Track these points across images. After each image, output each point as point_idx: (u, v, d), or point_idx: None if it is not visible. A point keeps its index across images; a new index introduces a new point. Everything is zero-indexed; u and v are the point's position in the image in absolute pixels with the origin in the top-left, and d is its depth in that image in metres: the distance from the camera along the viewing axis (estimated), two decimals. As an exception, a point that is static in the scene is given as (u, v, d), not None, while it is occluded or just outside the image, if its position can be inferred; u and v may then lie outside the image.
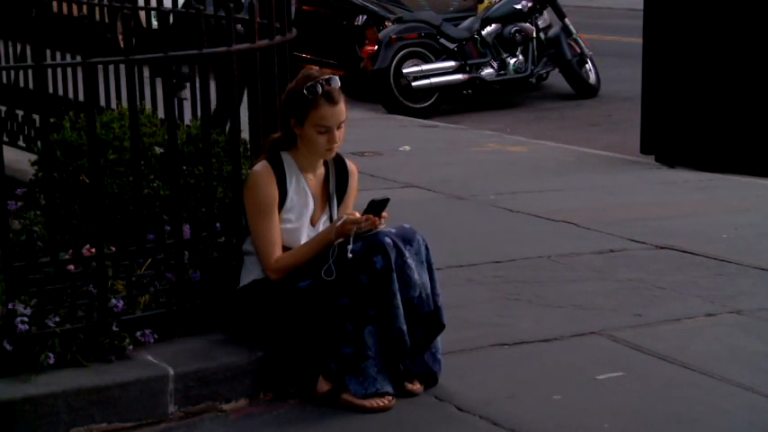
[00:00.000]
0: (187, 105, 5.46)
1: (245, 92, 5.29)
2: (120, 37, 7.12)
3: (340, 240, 4.59)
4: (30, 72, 6.90)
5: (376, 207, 4.59)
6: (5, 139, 7.42)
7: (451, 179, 8.72)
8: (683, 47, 9.58)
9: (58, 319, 4.47)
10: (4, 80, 7.82)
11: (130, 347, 4.59)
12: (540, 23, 13.30)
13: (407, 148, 10.12)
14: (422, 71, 12.52)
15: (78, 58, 4.73)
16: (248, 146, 5.27)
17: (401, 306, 4.57)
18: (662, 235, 7.10)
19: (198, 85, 4.99)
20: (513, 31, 12.97)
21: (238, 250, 4.87)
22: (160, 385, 4.49)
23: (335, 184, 4.87)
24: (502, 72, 12.91)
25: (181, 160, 4.96)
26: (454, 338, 5.02)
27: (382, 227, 4.61)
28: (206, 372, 4.59)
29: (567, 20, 13.29)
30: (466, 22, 13.18)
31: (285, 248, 4.71)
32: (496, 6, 13.18)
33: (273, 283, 4.69)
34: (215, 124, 5.32)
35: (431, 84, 12.57)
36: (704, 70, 9.50)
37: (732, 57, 9.37)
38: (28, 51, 7.31)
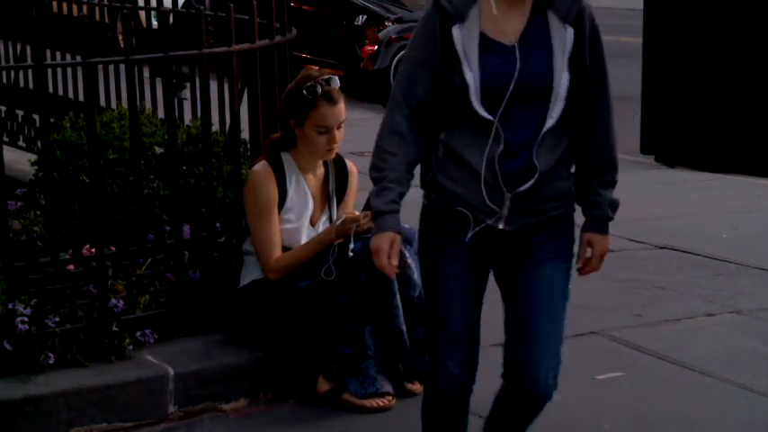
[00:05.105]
0: (187, 105, 5.46)
1: (246, 92, 5.29)
2: (120, 37, 7.10)
3: (340, 240, 4.60)
4: (30, 72, 6.90)
5: (375, 205, 4.59)
6: (5, 139, 7.42)
7: (451, 179, 8.71)
8: (683, 47, 9.58)
9: (58, 319, 4.47)
10: (4, 80, 7.81)
11: (130, 347, 4.59)
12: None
13: (407, 148, 10.11)
14: (422, 71, 12.52)
15: (78, 58, 4.73)
16: (248, 146, 5.28)
17: (401, 306, 4.57)
18: (662, 235, 7.10)
19: (198, 85, 4.98)
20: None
21: (238, 250, 4.88)
22: (160, 385, 4.49)
23: (335, 184, 4.88)
24: (502, 72, 12.89)
25: (181, 160, 4.96)
26: (454, 338, 5.01)
27: (382, 227, 4.61)
28: (206, 372, 4.59)
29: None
30: (466, 22, 13.17)
31: (285, 248, 4.71)
32: (496, 6, 13.17)
33: (273, 283, 4.69)
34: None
35: (431, 84, 12.56)
36: (704, 70, 9.50)
37: (732, 57, 9.37)
38: (28, 51, 7.31)
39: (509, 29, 3.25)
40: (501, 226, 3.33)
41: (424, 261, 3.46)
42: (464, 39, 3.23)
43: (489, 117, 3.22)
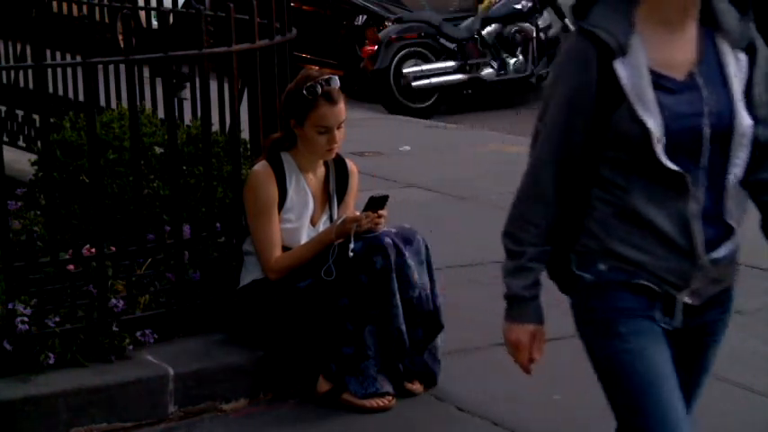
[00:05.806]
0: (187, 105, 5.46)
1: (246, 92, 5.29)
2: (120, 37, 7.10)
3: (340, 240, 4.59)
4: (30, 72, 6.90)
5: (375, 204, 4.59)
6: (5, 139, 7.41)
7: (452, 179, 8.71)
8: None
9: (58, 319, 4.47)
10: (4, 80, 7.81)
11: (130, 347, 4.59)
12: (540, 23, 13.29)
13: (407, 148, 10.12)
14: (422, 71, 12.53)
15: (78, 58, 4.73)
16: (248, 146, 5.28)
17: (400, 306, 4.57)
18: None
19: (198, 85, 4.98)
20: (513, 31, 12.97)
21: (238, 250, 4.87)
22: (160, 385, 4.49)
23: (336, 184, 4.87)
24: (502, 72, 12.90)
25: (181, 160, 4.96)
26: (454, 338, 5.02)
27: (383, 226, 4.61)
28: (206, 372, 4.59)
29: (567, 20, 13.26)
30: (466, 22, 13.18)
31: (285, 248, 4.71)
32: (496, 6, 13.17)
33: (273, 283, 4.69)
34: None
35: (431, 84, 12.57)
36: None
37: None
38: (28, 51, 7.31)
39: (678, 59, 2.74)
40: (691, 300, 2.82)
41: (599, 347, 2.85)
42: (632, 75, 2.69)
43: (679, 169, 2.69)
